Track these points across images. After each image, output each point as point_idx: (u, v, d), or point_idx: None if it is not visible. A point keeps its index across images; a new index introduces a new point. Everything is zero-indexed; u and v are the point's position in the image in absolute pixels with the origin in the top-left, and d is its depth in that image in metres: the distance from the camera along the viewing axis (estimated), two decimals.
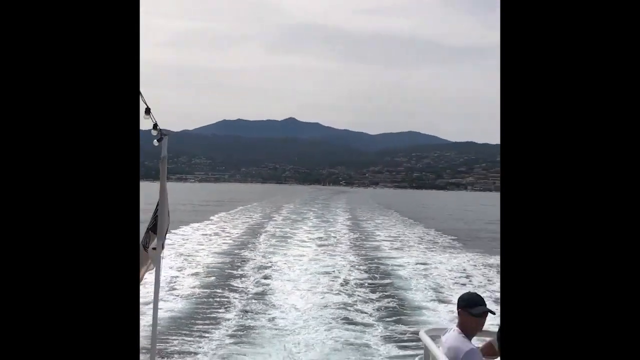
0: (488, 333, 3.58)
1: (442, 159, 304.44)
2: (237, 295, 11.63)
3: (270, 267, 15.57)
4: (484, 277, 15.10)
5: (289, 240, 22.61)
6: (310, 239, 23.39)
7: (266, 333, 8.77)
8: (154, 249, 3.67)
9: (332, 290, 12.52)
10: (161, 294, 8.48)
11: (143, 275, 3.64)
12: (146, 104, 3.17)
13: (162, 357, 7.21)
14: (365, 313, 10.47)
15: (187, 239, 21.29)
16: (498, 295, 12.23)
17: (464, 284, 13.91)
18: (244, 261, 16.46)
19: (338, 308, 10.68)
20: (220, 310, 10.27)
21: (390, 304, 11.12)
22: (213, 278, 13.52)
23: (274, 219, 34.28)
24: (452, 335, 3.31)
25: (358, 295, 11.99)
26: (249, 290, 12.25)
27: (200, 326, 9.05)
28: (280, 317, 9.87)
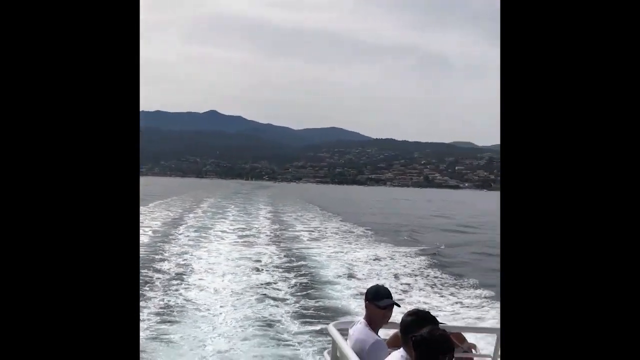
0: (394, 325, 3.53)
1: (363, 155, 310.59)
2: (158, 282, 11.68)
3: (189, 255, 15.65)
4: (393, 269, 15.95)
5: (209, 231, 22.57)
6: (231, 230, 23.47)
7: (187, 313, 9.17)
8: None
9: (250, 278, 12.99)
10: None
11: None
12: None
13: None
14: (279, 300, 11.01)
15: None
16: (404, 287, 13.13)
17: (377, 275, 14.65)
18: (163, 252, 16.34)
19: (255, 299, 11.12)
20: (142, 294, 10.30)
21: (305, 299, 11.49)
22: None
23: (195, 212, 33.77)
24: (359, 327, 3.37)
25: (273, 288, 12.43)
26: (170, 275, 12.40)
27: None
28: (198, 298, 10.34)
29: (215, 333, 8.41)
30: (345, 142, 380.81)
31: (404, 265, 16.78)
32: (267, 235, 22.17)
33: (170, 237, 20.33)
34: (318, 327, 8.79)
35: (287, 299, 10.85)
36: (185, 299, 10.29)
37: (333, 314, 9.80)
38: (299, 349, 8.16)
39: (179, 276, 12.48)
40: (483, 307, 12.24)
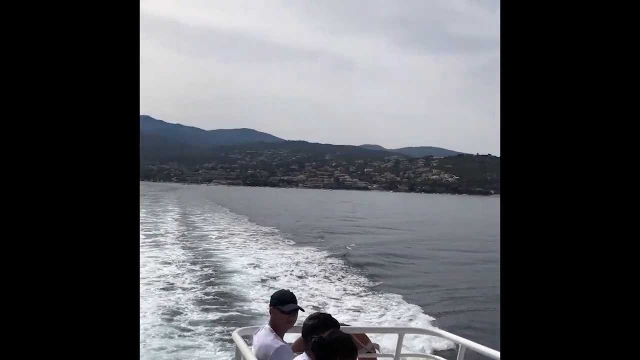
0: (299, 329, 3.47)
1: (275, 156, 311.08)
2: None
3: None
4: (300, 271, 16.01)
5: None
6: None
7: None
8: None
9: (157, 277, 12.49)
10: None
11: None
12: None
13: None
14: (186, 308, 10.61)
15: None
16: (311, 290, 13.23)
17: (284, 276, 14.59)
18: None
19: (162, 299, 10.63)
20: None
21: (211, 301, 11.34)
22: None
23: None
24: (263, 333, 3.33)
25: (181, 287, 12.07)
26: None
27: None
28: None
29: None
30: (258, 143, 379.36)
31: (312, 267, 16.87)
32: (174, 236, 21.43)
33: None
34: (220, 327, 8.59)
35: (192, 297, 10.63)
36: None
37: (236, 321, 9.59)
38: (200, 341, 8.17)
39: None
40: (389, 307, 12.56)
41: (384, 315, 11.71)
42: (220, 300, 11.10)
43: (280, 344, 3.25)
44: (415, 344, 8.83)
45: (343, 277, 15.73)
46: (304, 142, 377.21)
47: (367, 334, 4.44)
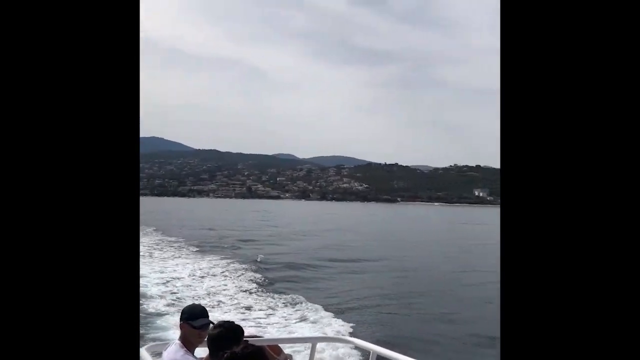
0: None
1: (185, 165, 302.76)
2: None
3: None
4: (211, 282, 15.53)
5: None
6: None
7: None
8: None
9: None
10: None
11: None
12: None
13: None
14: None
15: None
16: (222, 300, 12.83)
17: (194, 289, 14.04)
18: None
19: None
20: None
21: None
22: None
23: None
24: (173, 349, 3.24)
25: None
26: None
27: None
28: None
29: None
30: (167, 152, 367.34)
31: (221, 277, 16.40)
32: None
33: None
34: None
35: None
36: None
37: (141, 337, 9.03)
38: None
39: None
40: (302, 317, 12.46)
41: (296, 324, 11.59)
42: None
43: (191, 359, 3.19)
44: (329, 352, 8.77)
45: (254, 287, 15.44)
46: (215, 150, 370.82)
47: (279, 345, 4.40)
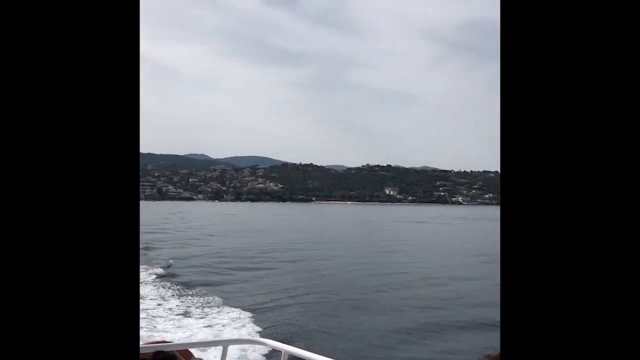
0: None
1: None
2: None
3: None
4: None
5: None
6: None
7: None
8: None
9: None
10: None
11: None
12: None
13: None
14: None
15: None
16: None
17: None
18: None
19: None
20: None
21: None
22: None
23: None
24: None
25: None
26: None
27: None
28: None
29: None
30: None
31: None
32: None
33: None
34: None
35: None
36: None
37: None
38: None
39: None
40: (213, 320, 12.31)
41: (208, 327, 11.46)
42: None
43: None
44: (241, 354, 8.79)
45: (164, 291, 15.02)
46: None
47: (190, 350, 4.35)
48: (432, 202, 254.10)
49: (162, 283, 16.12)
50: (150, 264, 20.11)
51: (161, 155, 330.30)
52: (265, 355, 9.10)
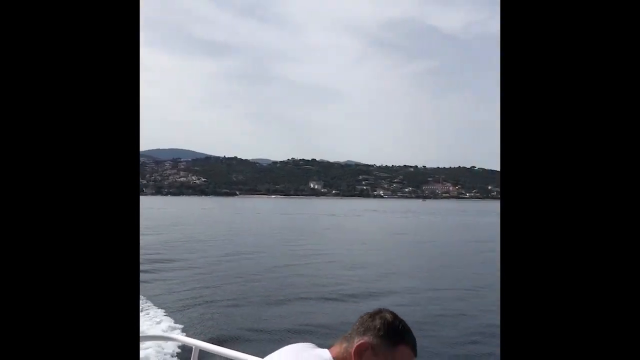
0: None
1: None
2: None
3: None
4: None
5: None
6: None
7: None
8: None
9: None
10: None
11: None
12: None
13: None
14: None
15: None
16: None
17: None
18: None
19: None
20: None
21: None
22: None
23: None
24: None
25: None
26: None
27: None
28: None
29: None
30: None
31: None
32: None
33: None
34: None
35: None
36: None
37: None
38: None
39: None
40: None
41: None
42: None
43: None
44: (152, 351, 8.64)
45: None
46: None
47: None
48: (355, 195, 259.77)
49: None
50: None
51: None
52: (177, 352, 8.99)
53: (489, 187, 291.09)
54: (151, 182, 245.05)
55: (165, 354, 8.90)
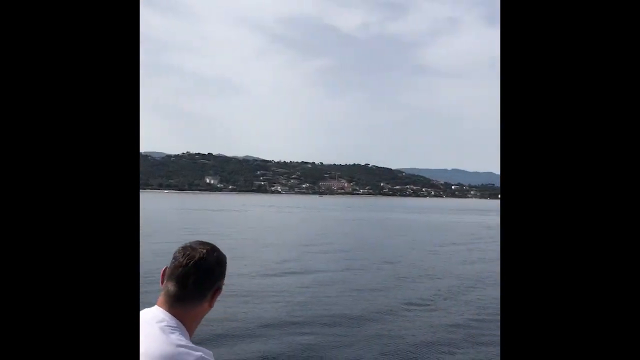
0: None
1: None
2: None
3: None
4: None
5: None
6: None
7: None
8: None
9: None
10: None
11: None
12: None
13: None
14: None
15: None
16: None
17: None
18: None
19: None
20: None
21: None
22: None
23: None
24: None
25: None
26: None
27: None
28: None
29: None
30: None
31: None
32: None
33: None
34: None
35: None
36: None
37: None
38: None
39: None
40: None
41: None
42: None
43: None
44: None
45: None
46: None
47: None
48: (252, 191, 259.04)
49: None
50: None
51: None
52: None
53: (381, 184, 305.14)
54: None
55: None
